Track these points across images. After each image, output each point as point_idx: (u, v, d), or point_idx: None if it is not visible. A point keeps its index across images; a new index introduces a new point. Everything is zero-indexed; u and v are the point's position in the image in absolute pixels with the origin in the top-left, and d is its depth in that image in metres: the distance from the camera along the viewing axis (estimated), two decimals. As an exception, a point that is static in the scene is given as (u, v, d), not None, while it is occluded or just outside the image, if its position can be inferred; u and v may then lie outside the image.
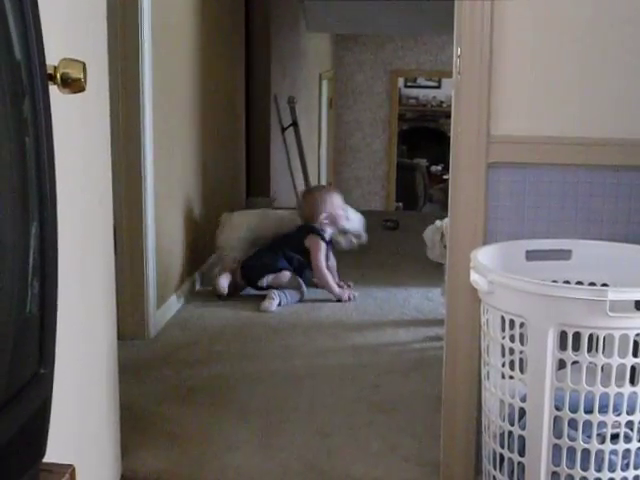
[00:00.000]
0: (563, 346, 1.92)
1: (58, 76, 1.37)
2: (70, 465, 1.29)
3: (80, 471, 1.36)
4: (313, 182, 8.52)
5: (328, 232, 4.51)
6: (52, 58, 1.32)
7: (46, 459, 1.29)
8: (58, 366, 1.30)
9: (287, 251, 4.42)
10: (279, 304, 4.28)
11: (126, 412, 2.75)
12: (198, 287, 4.55)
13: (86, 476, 1.75)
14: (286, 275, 4.38)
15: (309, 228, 4.48)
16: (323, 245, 4.44)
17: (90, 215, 2.21)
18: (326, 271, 4.42)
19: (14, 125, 1.19)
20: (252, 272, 4.39)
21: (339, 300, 4.36)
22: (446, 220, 2.58)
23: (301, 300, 4.37)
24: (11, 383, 1.14)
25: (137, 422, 2.94)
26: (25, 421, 1.17)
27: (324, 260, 4.43)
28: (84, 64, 1.40)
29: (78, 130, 2.06)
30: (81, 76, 1.39)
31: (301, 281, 4.40)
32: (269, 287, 4.35)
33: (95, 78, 2.00)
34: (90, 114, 2.20)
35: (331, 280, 4.43)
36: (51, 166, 1.25)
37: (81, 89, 1.41)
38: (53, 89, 1.32)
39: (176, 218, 4.23)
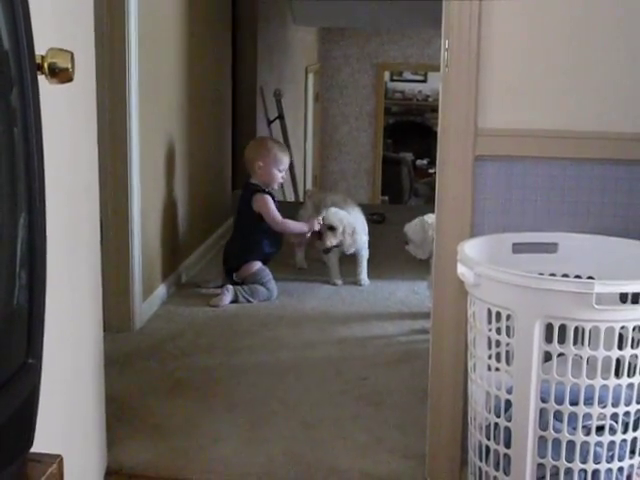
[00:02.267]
0: (549, 338, 1.93)
1: (46, 66, 1.36)
2: (58, 455, 1.29)
3: (67, 462, 1.36)
4: (299, 175, 8.53)
5: (273, 185, 4.36)
6: (39, 48, 1.31)
7: (33, 449, 1.29)
8: (44, 357, 1.30)
9: (252, 233, 4.30)
10: (233, 301, 4.18)
11: (112, 404, 2.75)
12: (184, 279, 4.54)
13: (72, 467, 1.74)
14: (254, 266, 4.27)
15: (250, 190, 4.34)
16: (270, 200, 4.30)
17: (76, 206, 2.21)
18: (283, 220, 4.29)
19: (2, 115, 1.19)
20: (228, 262, 4.35)
21: (313, 233, 4.37)
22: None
23: (268, 298, 4.23)
24: (-1, 373, 1.14)
25: (123, 414, 2.94)
26: (13, 411, 1.17)
27: (277, 214, 4.29)
28: (72, 54, 1.39)
29: (65, 120, 2.05)
30: (69, 66, 1.38)
31: (270, 278, 4.27)
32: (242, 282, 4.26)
33: (82, 68, 2.00)
34: (77, 104, 2.19)
35: (294, 223, 4.37)
36: (40, 157, 1.25)
37: (69, 79, 1.40)
38: (40, 79, 1.31)
39: (162, 210, 4.22)
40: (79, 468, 2.28)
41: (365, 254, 4.52)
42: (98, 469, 2.52)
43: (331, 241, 4.33)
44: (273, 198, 4.34)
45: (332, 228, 4.33)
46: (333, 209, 4.41)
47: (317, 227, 4.34)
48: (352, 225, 4.39)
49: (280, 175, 4.35)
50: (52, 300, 1.38)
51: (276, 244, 4.38)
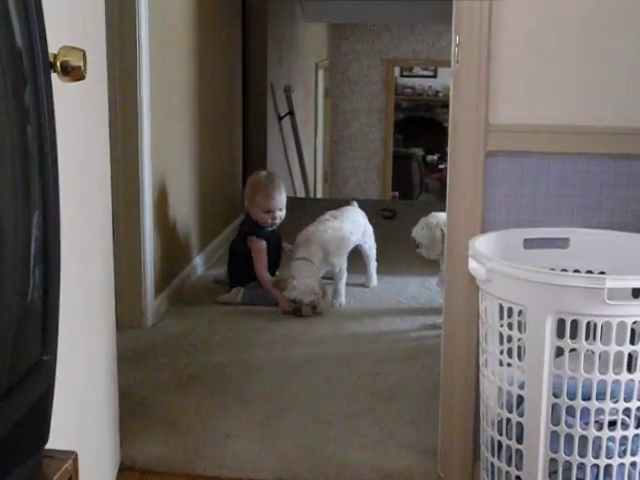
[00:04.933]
0: (561, 334, 1.92)
1: (58, 64, 1.37)
2: (73, 452, 1.30)
3: (81, 458, 1.37)
4: (309, 171, 8.53)
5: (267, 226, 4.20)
6: (52, 46, 1.32)
7: (48, 446, 1.30)
8: (58, 355, 1.30)
9: (249, 260, 4.19)
10: (241, 301, 4.14)
11: (125, 400, 2.75)
12: (196, 275, 4.55)
13: (86, 463, 1.75)
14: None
15: (248, 226, 4.25)
16: (262, 250, 4.15)
17: (89, 203, 2.22)
18: (267, 279, 4.13)
19: (16, 113, 1.19)
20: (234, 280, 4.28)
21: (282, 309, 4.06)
22: (444, 214, 2.57)
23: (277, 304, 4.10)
24: (14, 370, 1.15)
25: (136, 410, 2.95)
26: (28, 408, 1.17)
27: (264, 271, 4.14)
28: (84, 52, 1.40)
29: (77, 118, 2.06)
30: (81, 64, 1.39)
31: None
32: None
33: (94, 66, 2.00)
34: (89, 102, 2.20)
35: (274, 290, 4.07)
36: (53, 155, 1.25)
37: (81, 77, 1.41)
38: (53, 77, 1.32)
39: (174, 207, 4.22)
40: (93, 464, 2.29)
41: (373, 255, 4.46)
42: (111, 465, 2.54)
43: (306, 310, 4.02)
44: (268, 240, 4.20)
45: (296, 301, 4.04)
46: (294, 282, 3.99)
47: (288, 308, 4.03)
48: (317, 287, 4.02)
49: (269, 216, 4.17)
50: (66, 297, 1.38)
51: (275, 266, 4.30)
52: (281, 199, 4.22)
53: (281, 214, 4.24)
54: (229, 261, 4.36)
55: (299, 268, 4.04)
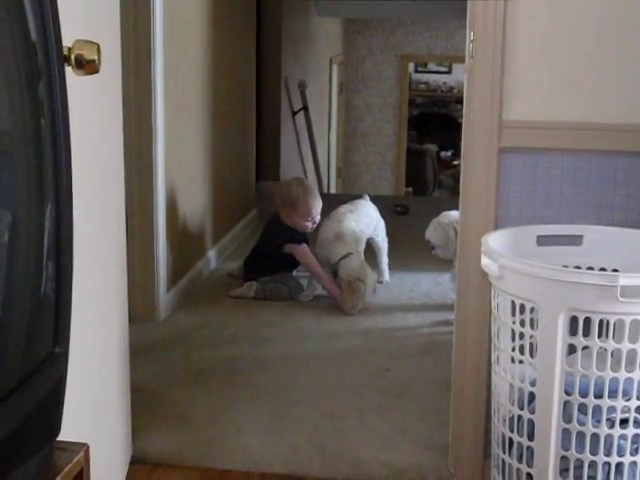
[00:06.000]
0: (573, 331, 1.92)
1: (72, 58, 1.37)
2: (84, 444, 1.30)
3: (93, 451, 1.37)
4: (323, 166, 8.53)
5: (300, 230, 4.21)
6: (66, 39, 1.32)
7: (60, 438, 1.30)
8: (71, 347, 1.31)
9: (276, 260, 4.21)
10: (255, 298, 4.14)
11: (136, 394, 2.77)
12: (209, 270, 4.56)
13: (98, 456, 1.76)
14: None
15: (280, 231, 4.22)
16: (308, 252, 4.16)
17: (103, 196, 2.22)
18: (321, 272, 4.13)
19: (30, 107, 1.20)
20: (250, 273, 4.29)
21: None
22: (455, 213, 2.57)
23: (291, 298, 4.16)
24: (27, 362, 1.15)
25: (147, 404, 2.96)
26: (40, 399, 1.18)
27: (318, 267, 4.14)
28: (98, 46, 1.40)
29: (91, 112, 2.06)
30: (95, 57, 1.39)
31: (293, 280, 4.23)
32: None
33: (108, 60, 2.01)
34: (103, 96, 2.20)
35: (328, 280, 4.13)
36: (67, 149, 1.25)
37: (95, 71, 1.41)
38: (67, 71, 1.32)
39: (187, 201, 4.23)
40: (105, 457, 2.30)
41: (384, 249, 4.46)
42: (123, 458, 2.55)
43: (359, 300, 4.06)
44: (306, 240, 4.23)
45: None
46: (363, 288, 4.04)
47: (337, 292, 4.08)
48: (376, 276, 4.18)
49: (311, 222, 4.21)
50: (78, 290, 1.39)
51: (293, 265, 4.29)
52: (320, 204, 4.24)
53: (318, 219, 4.27)
54: (250, 258, 4.33)
55: (358, 267, 4.06)
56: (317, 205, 4.22)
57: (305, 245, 4.20)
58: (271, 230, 4.32)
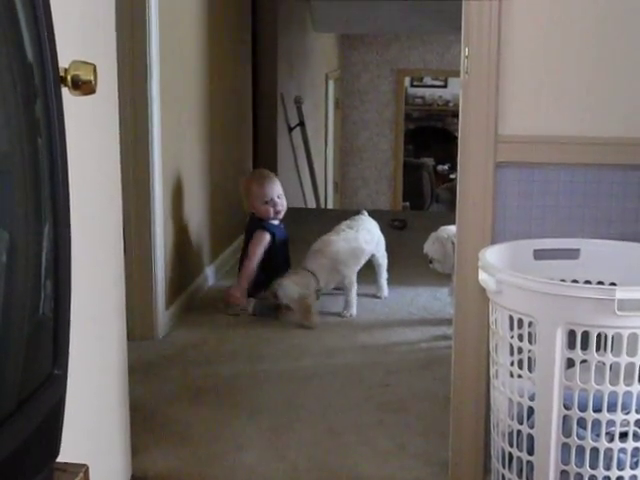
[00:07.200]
0: (571, 345, 1.92)
1: (69, 78, 1.37)
2: (84, 465, 1.30)
3: (92, 471, 1.37)
4: (320, 182, 8.54)
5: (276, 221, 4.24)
6: (62, 60, 1.32)
7: (59, 459, 1.30)
8: (69, 367, 1.31)
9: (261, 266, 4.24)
10: (252, 312, 4.13)
11: (136, 412, 2.76)
12: (207, 287, 4.56)
13: (98, 476, 1.75)
14: None
15: (254, 224, 4.27)
16: (264, 239, 4.19)
17: (100, 216, 2.22)
18: (252, 261, 4.17)
19: (26, 127, 1.20)
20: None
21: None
22: (454, 227, 2.57)
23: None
24: (26, 384, 1.15)
25: (147, 422, 2.95)
26: (40, 421, 1.18)
27: (257, 253, 4.17)
28: (95, 66, 1.41)
29: (88, 131, 2.07)
30: (91, 78, 1.40)
31: None
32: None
33: (104, 80, 2.01)
34: (100, 116, 2.21)
35: (245, 279, 4.17)
36: (64, 168, 1.26)
37: (91, 91, 1.42)
38: (64, 91, 1.33)
39: (184, 219, 4.24)
40: (104, 476, 2.29)
41: (384, 265, 4.44)
42: (123, 477, 2.54)
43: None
44: (273, 235, 4.23)
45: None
46: (281, 280, 4.05)
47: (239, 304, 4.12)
48: (296, 295, 4.01)
49: (270, 205, 4.21)
50: (77, 309, 1.39)
51: (285, 264, 4.31)
52: (276, 185, 4.25)
53: (282, 202, 4.25)
54: (240, 264, 4.34)
55: (297, 273, 4.08)
56: (271, 186, 4.23)
57: (267, 235, 4.21)
58: (246, 227, 4.39)
